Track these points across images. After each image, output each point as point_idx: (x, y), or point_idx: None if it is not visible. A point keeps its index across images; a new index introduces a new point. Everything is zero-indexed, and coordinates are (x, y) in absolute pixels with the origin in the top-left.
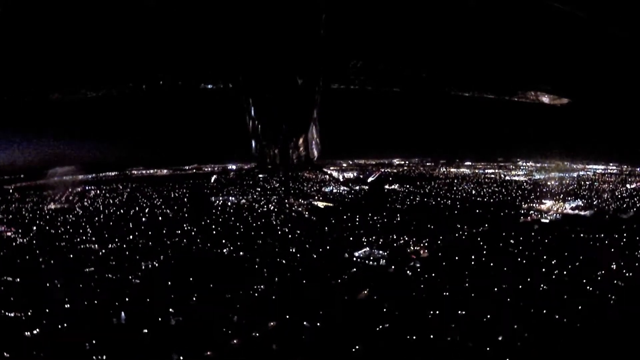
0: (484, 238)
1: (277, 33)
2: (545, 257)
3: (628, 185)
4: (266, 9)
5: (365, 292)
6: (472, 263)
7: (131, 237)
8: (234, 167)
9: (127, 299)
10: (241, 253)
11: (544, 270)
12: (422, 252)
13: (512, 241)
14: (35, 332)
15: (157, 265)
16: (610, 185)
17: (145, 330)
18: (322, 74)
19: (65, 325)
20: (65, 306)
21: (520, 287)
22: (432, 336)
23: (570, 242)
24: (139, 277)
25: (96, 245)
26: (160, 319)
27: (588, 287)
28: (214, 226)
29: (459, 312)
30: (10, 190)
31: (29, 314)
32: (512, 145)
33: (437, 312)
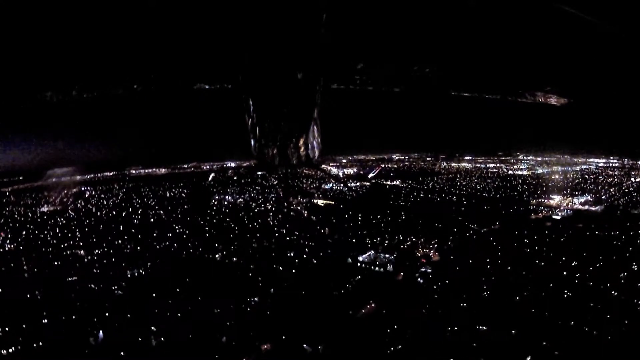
0: (496, 238)
1: (278, 32)
2: (564, 258)
3: (633, 179)
4: (266, 7)
5: (373, 305)
6: (488, 267)
7: (120, 241)
8: (232, 164)
9: (106, 314)
10: (234, 259)
11: (565, 274)
12: (432, 255)
13: (526, 241)
14: (9, 350)
15: (142, 273)
16: (615, 179)
17: (122, 353)
18: (323, 73)
19: (40, 344)
20: (43, 321)
21: (543, 294)
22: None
23: (586, 241)
24: (122, 287)
25: (82, 252)
26: (139, 339)
27: (613, 292)
28: (207, 228)
29: (480, 327)
30: (7, 193)
31: (6, 329)
32: (512, 140)
33: (456, 328)
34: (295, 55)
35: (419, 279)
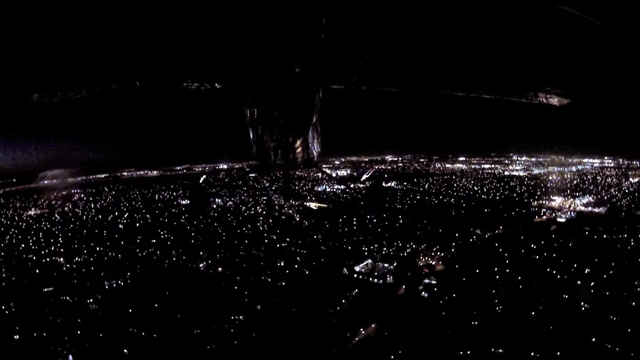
0: (503, 244)
1: (279, 33)
2: (576, 265)
3: (631, 179)
4: (267, 10)
5: (373, 325)
6: (497, 277)
7: (101, 248)
8: (225, 166)
9: (78, 332)
10: (220, 269)
11: (579, 282)
12: (435, 264)
13: (533, 246)
14: None
15: (121, 284)
16: (614, 179)
17: None
18: (323, 75)
19: None
20: (14, 337)
21: (559, 308)
22: None
23: (597, 246)
24: (98, 301)
25: (62, 259)
26: None
27: (632, 303)
28: (193, 234)
29: (495, 350)
30: None
31: None
32: (506, 141)
33: (469, 352)
34: (296, 57)
35: (423, 293)
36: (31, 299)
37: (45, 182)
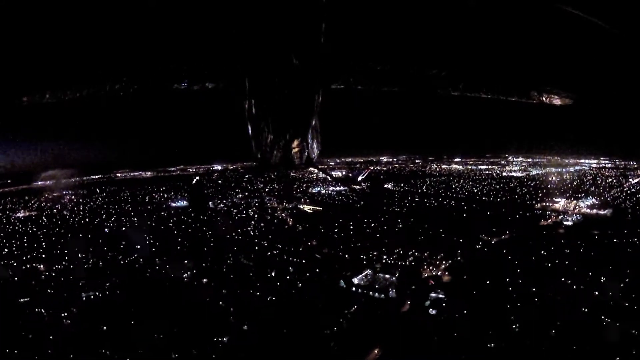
0: (511, 250)
1: (279, 33)
2: (590, 274)
3: (632, 180)
4: (267, 8)
5: (376, 351)
6: (510, 289)
7: (83, 254)
8: (219, 167)
9: (49, 351)
10: (204, 280)
11: (597, 293)
12: (442, 274)
13: (544, 253)
14: None
15: (99, 295)
16: (614, 180)
17: None
18: (323, 76)
19: None
20: None
21: (580, 323)
22: None
23: (609, 250)
24: (72, 315)
25: (42, 266)
26: None
27: None
28: (180, 239)
29: None
30: None
31: None
32: (501, 141)
33: None
34: (296, 57)
35: (431, 309)
36: (6, 310)
37: (40, 183)
